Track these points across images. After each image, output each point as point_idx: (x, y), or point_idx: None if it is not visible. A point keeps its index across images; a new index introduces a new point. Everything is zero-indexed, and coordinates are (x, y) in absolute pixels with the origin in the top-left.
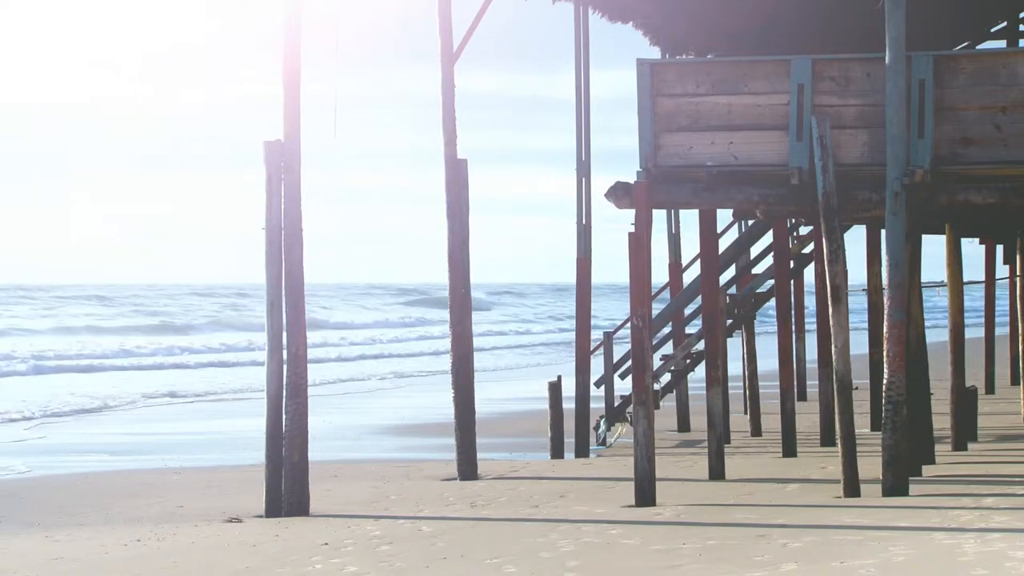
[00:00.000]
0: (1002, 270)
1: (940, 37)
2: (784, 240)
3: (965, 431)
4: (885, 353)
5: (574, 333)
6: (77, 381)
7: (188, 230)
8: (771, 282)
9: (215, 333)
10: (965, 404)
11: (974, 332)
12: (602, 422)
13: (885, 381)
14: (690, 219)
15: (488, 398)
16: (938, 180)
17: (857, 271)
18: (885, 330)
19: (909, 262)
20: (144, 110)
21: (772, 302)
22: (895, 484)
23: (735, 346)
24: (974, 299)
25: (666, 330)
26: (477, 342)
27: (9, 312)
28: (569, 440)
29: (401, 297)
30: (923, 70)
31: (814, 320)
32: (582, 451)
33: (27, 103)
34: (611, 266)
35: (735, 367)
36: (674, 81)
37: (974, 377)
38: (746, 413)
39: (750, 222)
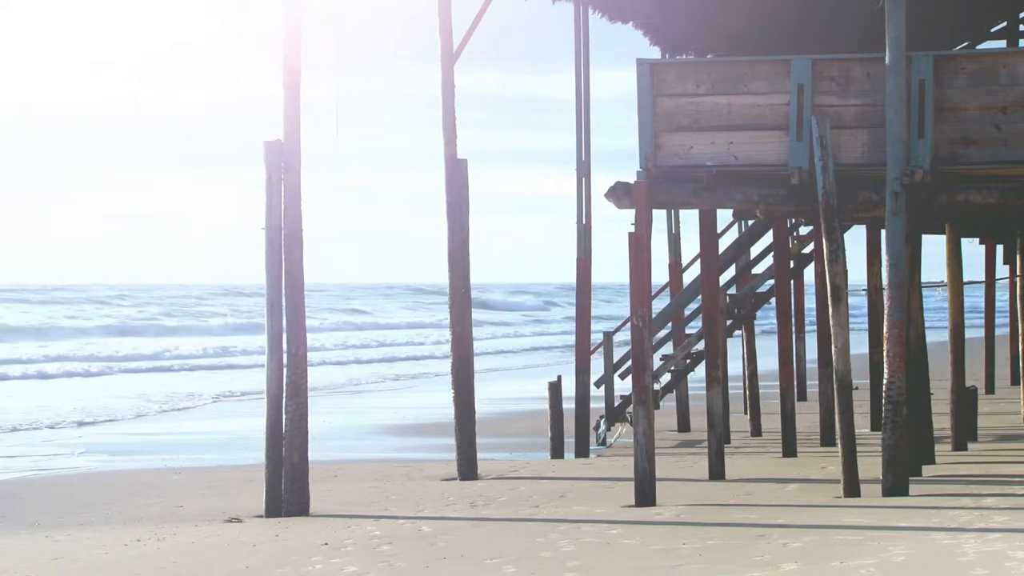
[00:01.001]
0: (1002, 270)
1: (940, 37)
2: (784, 240)
3: (965, 431)
4: (885, 353)
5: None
6: (145, 382)
7: (188, 230)
8: (771, 282)
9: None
10: (965, 404)
11: (974, 332)
12: (602, 422)
13: (885, 381)
14: (690, 219)
15: (488, 398)
16: (938, 180)
17: (857, 271)
18: (885, 330)
19: (909, 262)
20: (144, 110)
21: (772, 302)
22: (895, 484)
23: (735, 346)
24: (974, 299)
25: (666, 330)
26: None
27: (42, 312)
28: (569, 440)
29: (430, 298)
30: (923, 70)
31: (814, 320)
32: (582, 451)
33: (27, 103)
34: (611, 266)
35: (735, 367)
36: (674, 81)
37: (974, 377)
38: (746, 413)
39: (750, 222)
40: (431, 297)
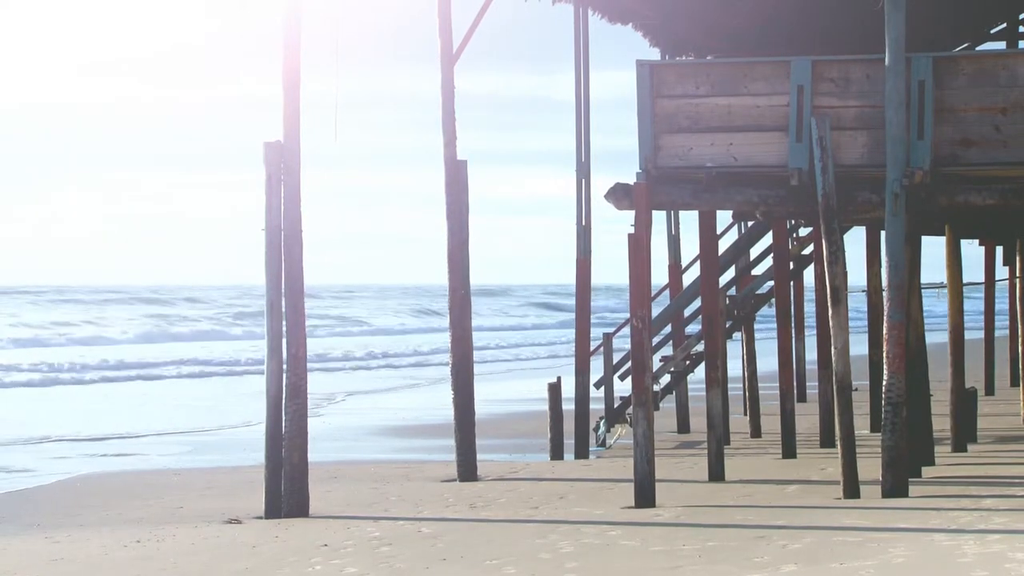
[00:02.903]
0: (1002, 271)
1: (940, 38)
2: (784, 241)
3: (965, 432)
4: (885, 354)
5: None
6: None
7: (188, 231)
8: (771, 283)
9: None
10: (965, 405)
11: (974, 333)
12: (602, 423)
13: (885, 382)
14: (690, 220)
15: (488, 399)
16: (938, 181)
17: (857, 272)
18: (885, 331)
19: (909, 263)
20: (144, 110)
21: (772, 303)
22: (895, 485)
23: (735, 347)
24: (974, 301)
25: (666, 331)
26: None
27: (105, 315)
28: (569, 441)
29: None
30: (923, 71)
31: (814, 321)
32: (582, 452)
33: (27, 103)
34: (611, 267)
35: (735, 368)
36: (674, 82)
37: (974, 378)
38: (746, 414)
39: (750, 223)
40: (487, 299)
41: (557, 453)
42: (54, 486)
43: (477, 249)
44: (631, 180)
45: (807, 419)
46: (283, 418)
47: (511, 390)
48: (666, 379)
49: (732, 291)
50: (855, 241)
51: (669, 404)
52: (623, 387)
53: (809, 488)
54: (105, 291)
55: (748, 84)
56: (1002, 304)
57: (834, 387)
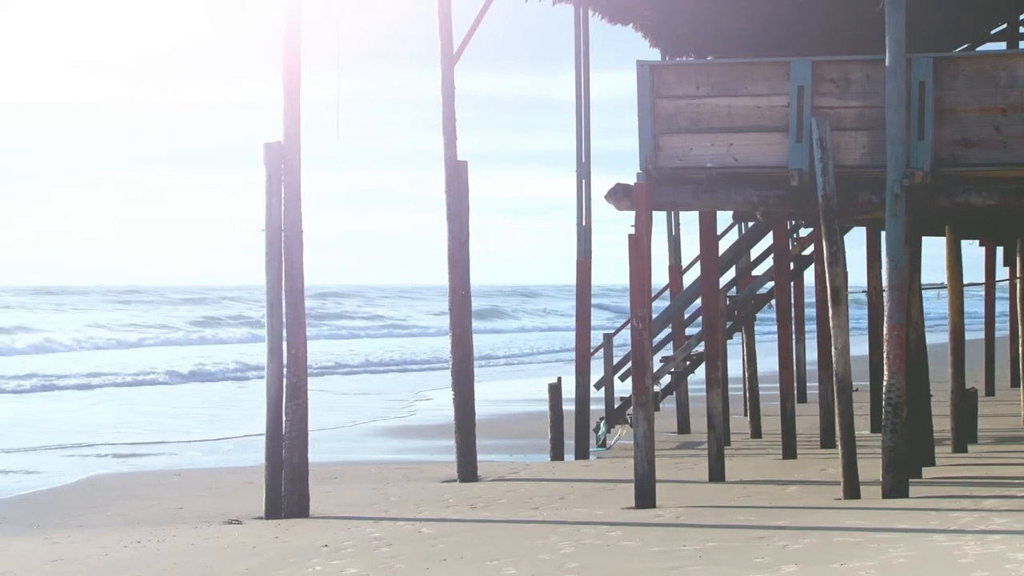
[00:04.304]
0: (1002, 272)
1: (940, 39)
2: (784, 242)
3: (965, 433)
4: (885, 355)
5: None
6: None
7: (188, 231)
8: (771, 284)
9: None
10: (965, 406)
11: (974, 334)
12: (602, 424)
13: (885, 383)
14: (690, 221)
15: (489, 399)
16: (938, 182)
17: (857, 273)
18: (885, 332)
19: (909, 264)
20: (143, 110)
21: (772, 304)
22: (895, 486)
23: (735, 348)
24: (974, 301)
25: (666, 332)
26: None
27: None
28: (569, 442)
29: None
30: (923, 72)
31: (815, 321)
32: (582, 453)
33: (27, 103)
34: (611, 268)
35: (735, 369)
36: (674, 83)
37: (974, 379)
38: (746, 415)
39: (750, 224)
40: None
41: (557, 454)
42: (57, 489)
43: (480, 251)
44: (631, 181)
45: (807, 420)
46: (283, 419)
47: (511, 391)
48: (666, 380)
49: (732, 292)
50: (855, 242)
51: (669, 405)
52: (623, 388)
53: (809, 488)
54: (118, 291)
55: (748, 85)
56: (1002, 305)
57: (834, 387)
